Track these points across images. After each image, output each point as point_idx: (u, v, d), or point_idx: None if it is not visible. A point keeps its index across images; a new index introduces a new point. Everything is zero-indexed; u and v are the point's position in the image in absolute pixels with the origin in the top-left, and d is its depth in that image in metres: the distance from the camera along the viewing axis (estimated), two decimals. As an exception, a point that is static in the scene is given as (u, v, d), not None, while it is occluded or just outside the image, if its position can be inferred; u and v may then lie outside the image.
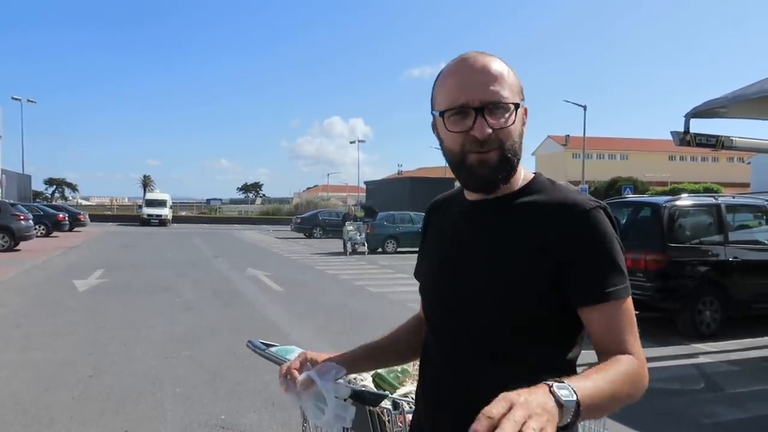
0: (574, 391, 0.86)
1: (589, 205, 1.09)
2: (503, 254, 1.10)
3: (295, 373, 1.23)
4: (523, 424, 0.75)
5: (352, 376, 1.95)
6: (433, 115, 1.17)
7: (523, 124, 1.14)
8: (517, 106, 1.10)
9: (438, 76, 1.17)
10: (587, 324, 1.08)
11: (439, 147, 1.18)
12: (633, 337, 1.06)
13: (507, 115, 1.09)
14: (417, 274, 1.38)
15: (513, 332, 1.09)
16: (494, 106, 1.08)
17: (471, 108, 1.07)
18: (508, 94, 1.09)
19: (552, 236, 1.07)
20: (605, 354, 1.04)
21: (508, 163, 1.11)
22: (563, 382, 0.88)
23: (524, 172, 1.18)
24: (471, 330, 1.13)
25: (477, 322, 1.12)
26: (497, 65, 1.11)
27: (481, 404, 1.08)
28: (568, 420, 0.85)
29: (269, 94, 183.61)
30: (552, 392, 0.84)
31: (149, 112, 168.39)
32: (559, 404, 0.83)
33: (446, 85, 1.12)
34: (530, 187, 1.16)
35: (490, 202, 1.16)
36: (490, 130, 1.07)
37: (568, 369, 1.12)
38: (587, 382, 0.91)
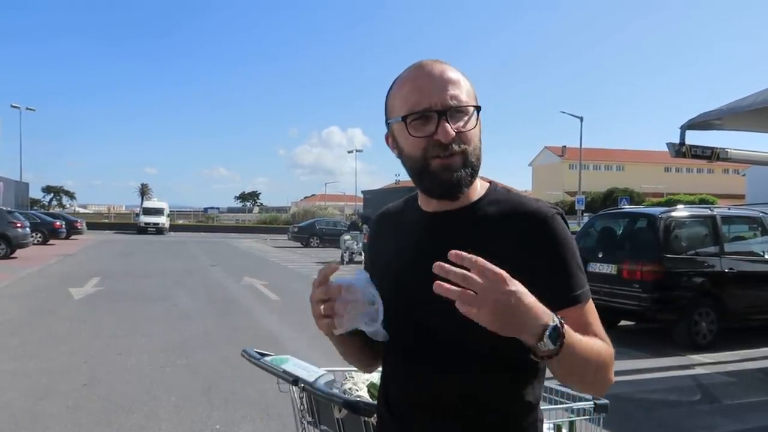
0: (563, 335, 0.94)
1: (550, 212, 1.11)
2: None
3: (328, 290, 1.09)
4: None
5: (347, 386, 1.95)
6: (388, 125, 1.16)
7: (480, 128, 1.14)
8: (478, 109, 1.11)
9: (392, 85, 1.16)
10: None
11: (398, 157, 1.16)
12: (600, 328, 1.11)
13: (467, 118, 1.09)
14: None
15: (479, 348, 1.08)
16: (456, 111, 1.08)
17: (434, 111, 1.07)
18: (467, 99, 1.10)
19: (518, 245, 1.08)
20: None
21: (472, 167, 1.10)
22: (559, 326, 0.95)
23: (479, 182, 1.18)
24: (435, 347, 1.12)
25: (442, 339, 1.11)
26: (453, 72, 1.11)
27: (451, 419, 1.11)
28: (551, 345, 0.93)
29: (268, 104, 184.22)
30: (554, 323, 0.93)
31: (147, 121, 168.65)
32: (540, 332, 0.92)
33: (405, 92, 1.11)
34: (488, 197, 1.16)
35: (451, 214, 1.14)
36: (453, 133, 1.07)
37: (534, 378, 1.15)
38: (577, 337, 0.99)
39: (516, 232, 1.09)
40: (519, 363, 1.10)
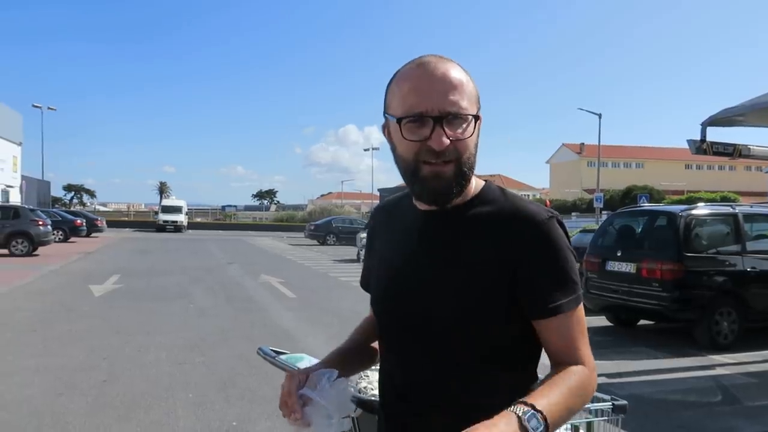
0: (544, 419, 0.91)
1: (543, 216, 1.08)
2: (459, 269, 1.08)
3: (294, 405, 1.11)
4: None
5: (363, 384, 1.94)
6: (386, 118, 1.12)
7: (478, 135, 1.10)
8: (476, 118, 1.07)
9: (393, 78, 1.12)
10: (541, 333, 1.09)
11: (392, 151, 1.13)
12: (584, 343, 1.08)
13: (465, 126, 1.05)
14: (366, 285, 1.34)
15: (472, 347, 1.07)
16: (453, 117, 1.03)
17: (429, 117, 1.03)
18: (467, 105, 1.05)
19: (507, 248, 1.06)
20: (559, 362, 1.07)
21: (464, 177, 1.08)
22: (530, 408, 0.92)
23: (475, 180, 1.15)
24: (428, 346, 1.10)
25: (435, 338, 1.09)
26: (457, 73, 1.06)
27: (442, 420, 1.09)
28: None
29: (285, 102, 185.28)
30: (522, 426, 0.89)
31: (166, 120, 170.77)
32: None
33: (403, 91, 1.07)
34: (482, 197, 1.13)
35: (442, 213, 1.12)
36: (448, 141, 1.03)
37: (529, 378, 1.13)
38: (550, 404, 0.94)
39: (506, 235, 1.07)
40: (512, 357, 1.09)
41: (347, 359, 1.28)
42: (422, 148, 1.04)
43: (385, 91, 1.13)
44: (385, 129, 1.14)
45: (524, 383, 1.11)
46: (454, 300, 1.07)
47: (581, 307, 1.09)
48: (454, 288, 1.07)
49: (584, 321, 1.10)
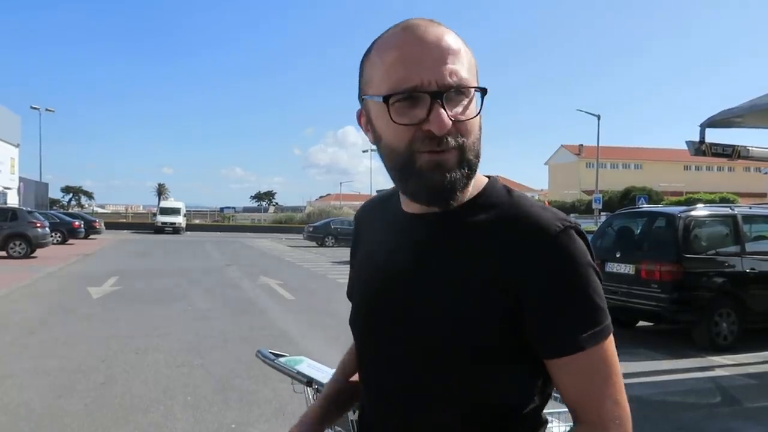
0: None
1: (556, 227, 0.85)
2: (449, 286, 0.88)
3: None
4: None
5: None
6: (363, 102, 0.90)
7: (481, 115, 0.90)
8: (484, 92, 0.86)
9: (371, 48, 0.89)
10: (554, 376, 0.88)
11: (373, 143, 0.91)
12: (611, 393, 0.85)
13: (467, 102, 0.85)
14: (351, 296, 1.13)
15: (455, 374, 0.89)
16: (456, 92, 0.83)
17: (425, 92, 0.82)
18: (468, 76, 0.85)
19: (510, 267, 0.85)
20: (575, 414, 0.88)
21: (470, 167, 0.87)
22: None
23: (476, 177, 0.94)
24: (407, 370, 0.93)
25: (414, 361, 0.92)
26: (453, 38, 0.86)
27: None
28: None
29: (284, 103, 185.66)
30: None
31: (165, 121, 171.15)
32: None
33: (387, 62, 0.84)
34: (483, 200, 0.92)
35: (435, 217, 0.91)
36: (450, 123, 0.82)
37: (528, 417, 0.93)
38: None
39: (510, 250, 0.86)
40: (510, 367, 0.89)
41: (341, 398, 1.18)
42: (417, 133, 0.83)
43: (360, 68, 0.91)
44: (362, 117, 0.93)
45: (525, 396, 0.93)
46: (435, 322, 0.89)
47: (610, 342, 0.86)
48: (437, 309, 0.89)
49: (614, 360, 0.86)
